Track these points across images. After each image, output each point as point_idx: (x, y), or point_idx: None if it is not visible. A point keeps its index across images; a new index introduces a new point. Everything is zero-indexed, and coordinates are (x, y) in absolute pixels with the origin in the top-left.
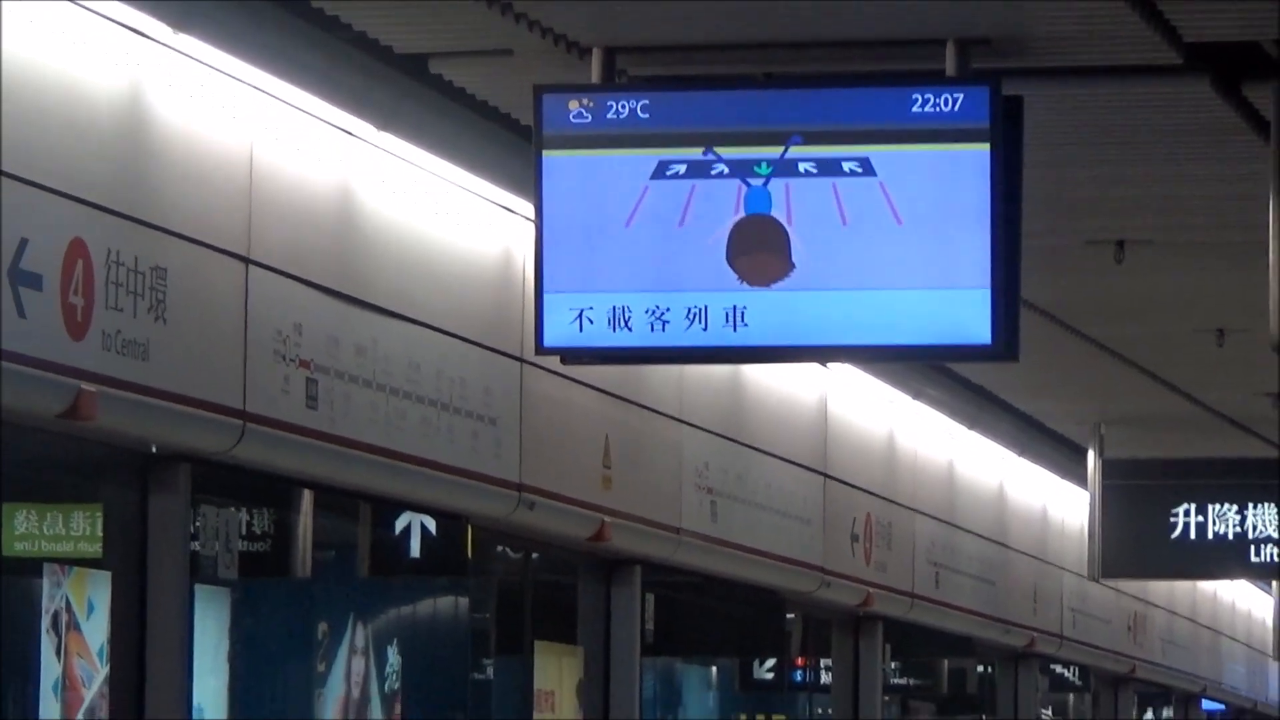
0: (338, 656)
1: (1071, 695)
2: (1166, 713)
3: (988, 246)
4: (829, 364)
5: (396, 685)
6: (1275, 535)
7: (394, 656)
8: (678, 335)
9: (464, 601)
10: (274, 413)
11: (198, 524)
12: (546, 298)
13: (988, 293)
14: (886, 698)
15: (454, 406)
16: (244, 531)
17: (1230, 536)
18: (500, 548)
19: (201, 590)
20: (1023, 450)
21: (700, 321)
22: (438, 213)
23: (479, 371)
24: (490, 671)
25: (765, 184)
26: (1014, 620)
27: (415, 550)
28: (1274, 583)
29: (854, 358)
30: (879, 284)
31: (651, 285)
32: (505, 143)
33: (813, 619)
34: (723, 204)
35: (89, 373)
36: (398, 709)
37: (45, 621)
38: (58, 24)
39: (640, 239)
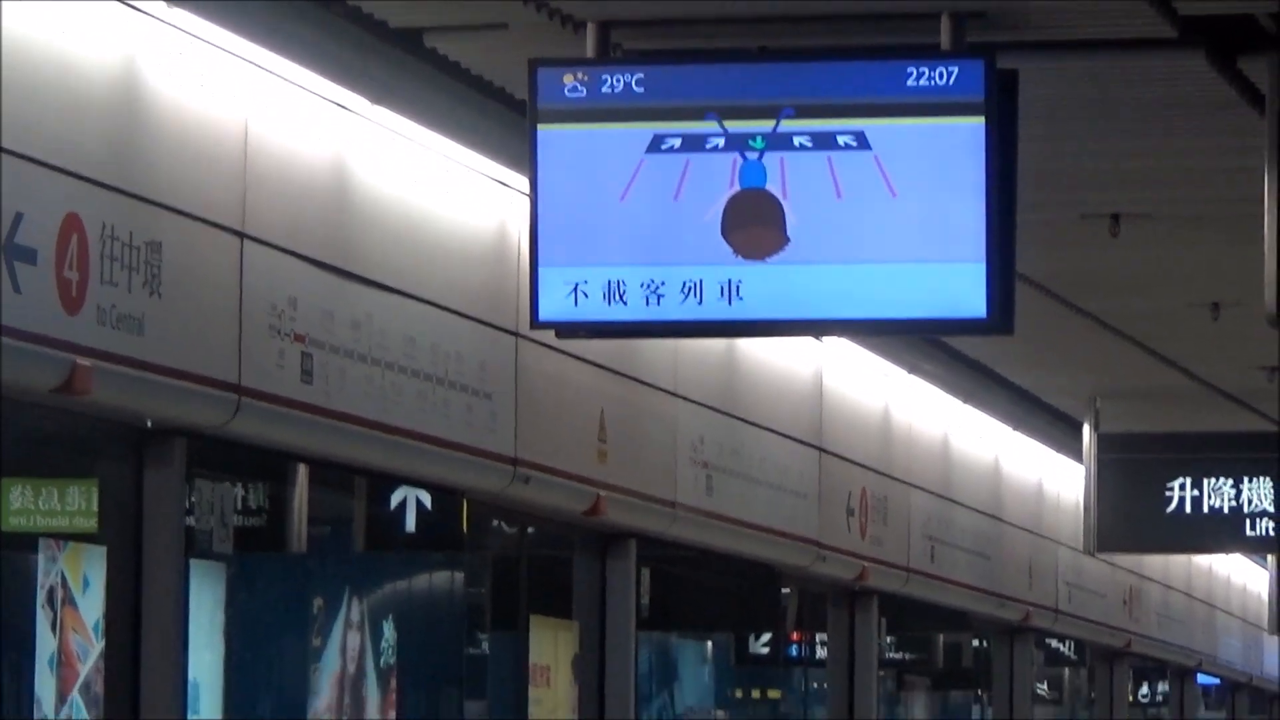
0: (333, 631)
1: (1067, 669)
2: (1162, 687)
3: (983, 220)
4: (824, 338)
5: (392, 660)
6: (1271, 509)
7: (389, 631)
8: (673, 309)
9: (459, 576)
10: (269, 387)
11: (193, 499)
12: (541, 272)
13: (983, 266)
14: (882, 672)
15: (449, 381)
16: (239, 506)
17: (1226, 510)
18: (495, 522)
19: (197, 565)
20: (1018, 424)
21: (695, 295)
22: (433, 187)
23: (474, 346)
24: (485, 646)
25: (760, 158)
26: (1009, 594)
27: (410, 525)
28: (1269, 556)
29: (849, 331)
30: (874, 257)
31: (646, 259)
32: (500, 117)
33: (808, 593)
34: (718, 178)
35: (84, 347)
36: (393, 683)
37: (41, 597)
38: None
39: (635, 213)
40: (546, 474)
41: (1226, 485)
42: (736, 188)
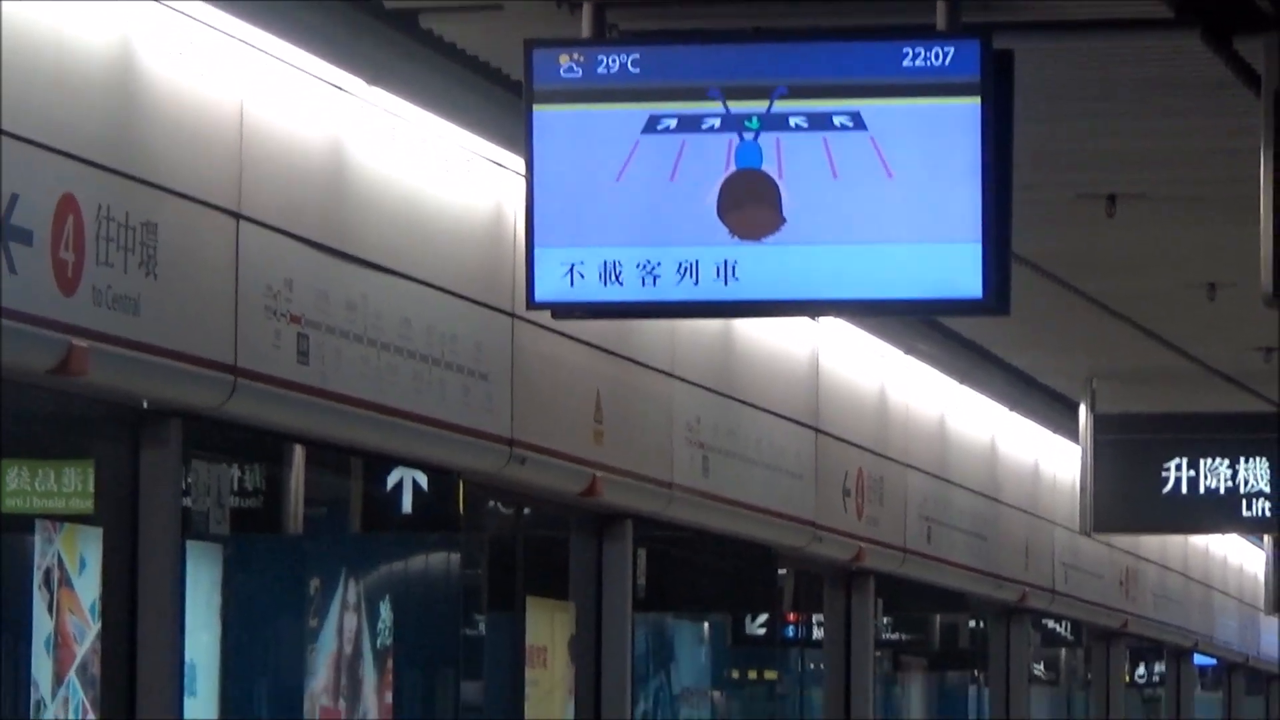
0: (330, 612)
1: (1063, 650)
2: (1158, 667)
3: (979, 200)
4: (820, 318)
5: (388, 641)
6: (1267, 489)
7: (386, 612)
8: (669, 290)
9: (455, 557)
10: (265, 368)
11: (189, 480)
12: (537, 252)
13: (979, 247)
14: (878, 653)
15: (445, 361)
16: (235, 487)
17: (1222, 491)
18: (492, 503)
19: (193, 546)
20: (1014, 405)
21: (691, 276)
22: (428, 168)
23: (470, 326)
24: (482, 627)
25: (756, 138)
26: (1006, 575)
27: (407, 506)
28: (1265, 537)
29: (845, 311)
30: (870, 238)
31: (642, 240)
32: (496, 97)
33: (805, 574)
34: (713, 158)
35: (80, 328)
36: (389, 664)
37: (37, 578)
38: None
39: (631, 193)
40: (542, 455)
41: (1223, 466)
42: (732, 168)
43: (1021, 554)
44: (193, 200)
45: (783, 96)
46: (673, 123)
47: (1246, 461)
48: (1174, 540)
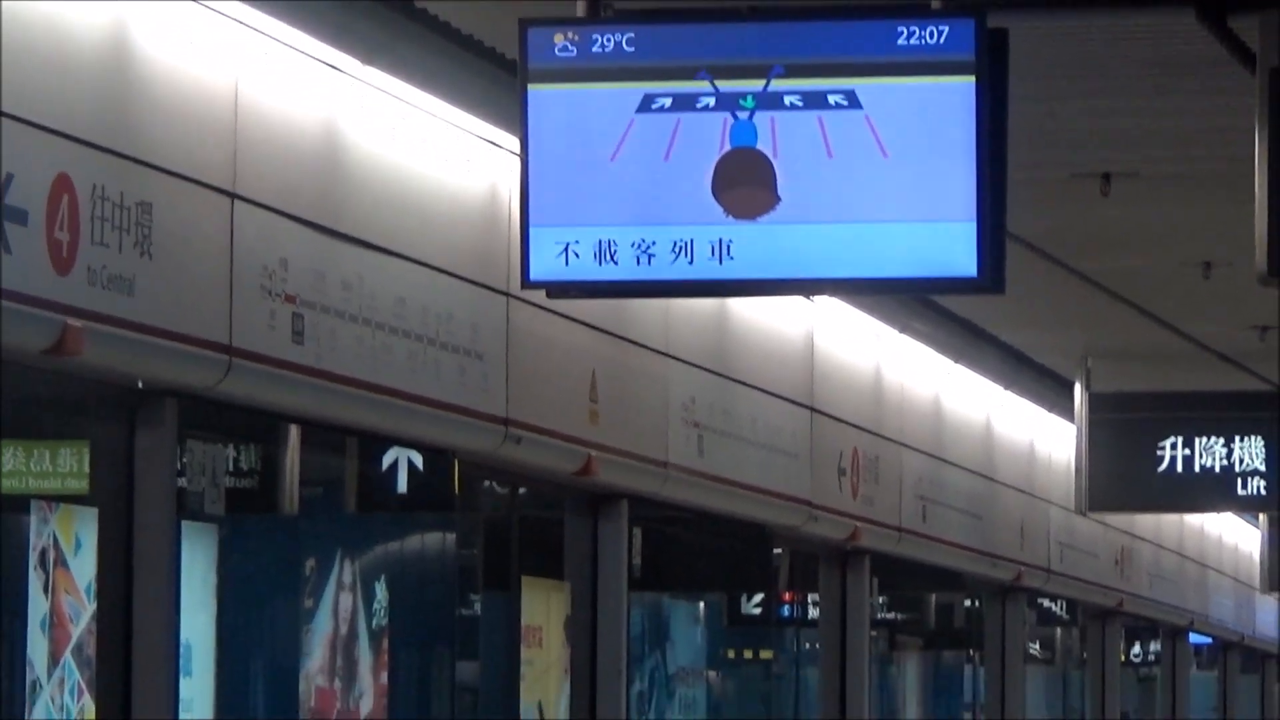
0: (325, 592)
1: (1059, 629)
2: (1154, 646)
3: (973, 179)
4: (815, 297)
5: (384, 621)
6: (1262, 468)
7: (381, 592)
8: (663, 269)
9: (451, 537)
10: (260, 348)
11: (184, 460)
12: (532, 232)
13: (974, 225)
14: (874, 632)
15: (440, 341)
16: (231, 467)
17: (1217, 469)
18: (487, 483)
19: (189, 526)
20: (1010, 384)
21: (686, 255)
22: (423, 147)
23: (465, 306)
24: (477, 607)
25: (750, 117)
26: (1001, 554)
27: (402, 485)
28: (1260, 516)
29: (840, 290)
30: (865, 217)
31: (637, 219)
32: (490, 77)
33: (800, 553)
34: (708, 137)
35: (75, 308)
36: (385, 644)
37: (33, 558)
38: None
39: (626, 173)
40: (538, 434)
41: (1218, 444)
42: (727, 147)
43: (1017, 533)
44: (188, 180)
45: (779, 76)
46: (667, 102)
47: (1242, 440)
48: (1169, 519)
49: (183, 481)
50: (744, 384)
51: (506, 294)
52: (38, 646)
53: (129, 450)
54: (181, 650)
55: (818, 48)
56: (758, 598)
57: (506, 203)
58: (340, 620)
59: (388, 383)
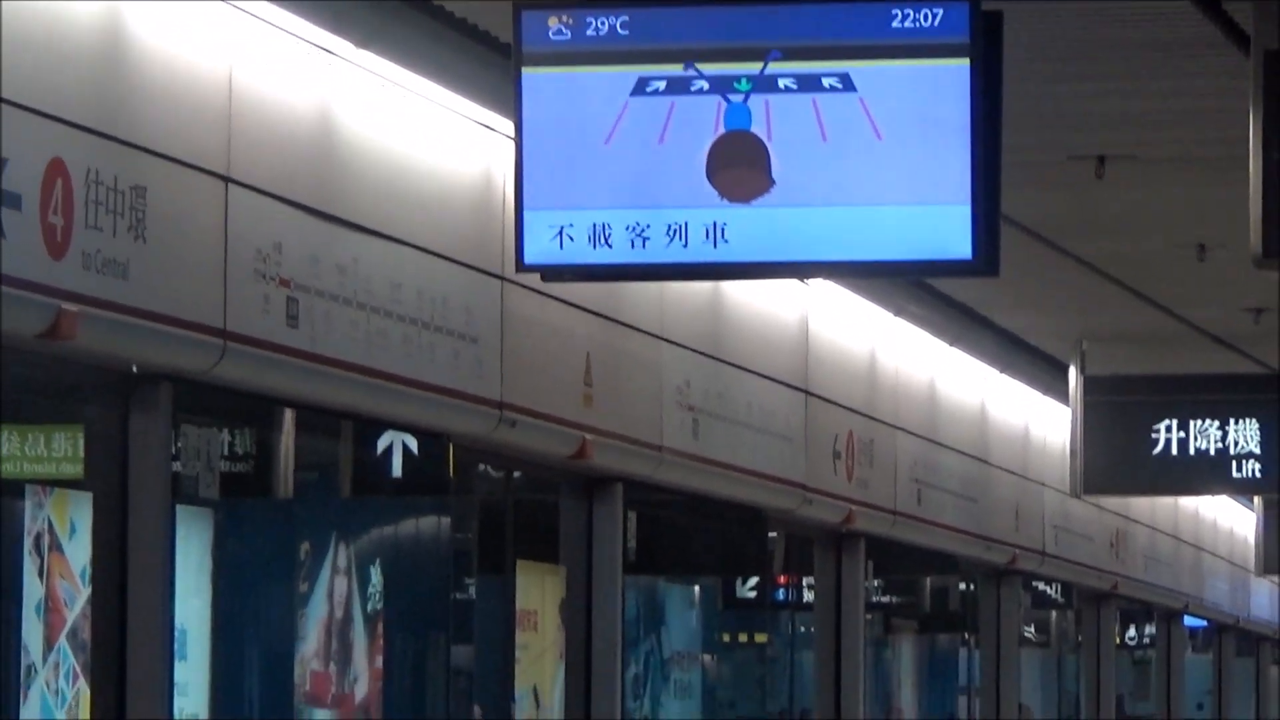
0: (320, 576)
1: (1054, 612)
2: (1149, 629)
3: (968, 162)
4: (809, 280)
5: (379, 605)
6: (1257, 451)
7: (376, 576)
8: (658, 252)
9: (446, 521)
10: (255, 332)
11: (179, 444)
12: (527, 215)
13: (968, 208)
14: (869, 615)
15: (435, 325)
16: (225, 451)
17: (1212, 452)
18: (482, 466)
19: (183, 511)
20: (1004, 367)
21: (680, 238)
22: (418, 131)
23: (460, 290)
24: (472, 591)
25: (745, 100)
26: (996, 537)
27: (397, 469)
28: (1255, 499)
29: (834, 273)
30: (859, 200)
31: (631, 202)
32: (485, 60)
33: (795, 537)
34: (702, 120)
35: (69, 292)
36: (380, 628)
37: (27, 543)
38: None
39: (620, 156)
40: (532, 418)
41: (1213, 427)
42: (721, 130)
43: (1012, 516)
44: (182, 164)
45: (774, 59)
46: (661, 85)
47: (1236, 423)
48: (1164, 502)
49: (177, 466)
50: (739, 367)
51: (501, 277)
52: (33, 631)
53: (124, 434)
54: (176, 634)
55: (812, 30)
56: (753, 581)
57: (501, 186)
58: (335, 604)
59: (382, 366)
